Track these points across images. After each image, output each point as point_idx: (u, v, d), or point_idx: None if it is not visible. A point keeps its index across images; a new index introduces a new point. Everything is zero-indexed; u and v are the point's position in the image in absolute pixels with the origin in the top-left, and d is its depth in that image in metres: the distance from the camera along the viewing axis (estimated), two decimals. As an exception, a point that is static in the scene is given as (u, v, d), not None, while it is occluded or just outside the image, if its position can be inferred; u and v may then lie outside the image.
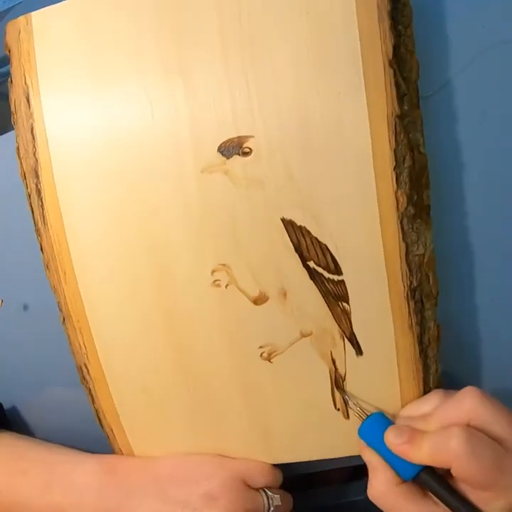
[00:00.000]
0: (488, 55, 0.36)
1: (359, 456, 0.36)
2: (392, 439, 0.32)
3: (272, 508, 0.38)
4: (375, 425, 0.34)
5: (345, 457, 0.38)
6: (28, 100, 0.37)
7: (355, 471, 0.44)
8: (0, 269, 0.44)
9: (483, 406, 0.31)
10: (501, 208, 0.37)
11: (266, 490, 0.38)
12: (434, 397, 0.34)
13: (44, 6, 0.37)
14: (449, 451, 0.30)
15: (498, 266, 0.38)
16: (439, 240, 0.35)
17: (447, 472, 0.32)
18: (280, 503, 0.38)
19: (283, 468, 0.40)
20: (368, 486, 0.34)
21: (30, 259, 0.40)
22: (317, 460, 0.39)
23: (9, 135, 0.42)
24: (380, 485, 0.33)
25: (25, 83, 0.37)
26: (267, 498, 0.38)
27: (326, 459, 0.39)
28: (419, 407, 0.35)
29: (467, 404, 0.31)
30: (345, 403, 0.37)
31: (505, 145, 0.37)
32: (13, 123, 0.38)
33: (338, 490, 0.45)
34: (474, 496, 0.31)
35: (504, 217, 0.37)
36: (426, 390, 0.36)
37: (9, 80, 0.38)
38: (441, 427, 0.31)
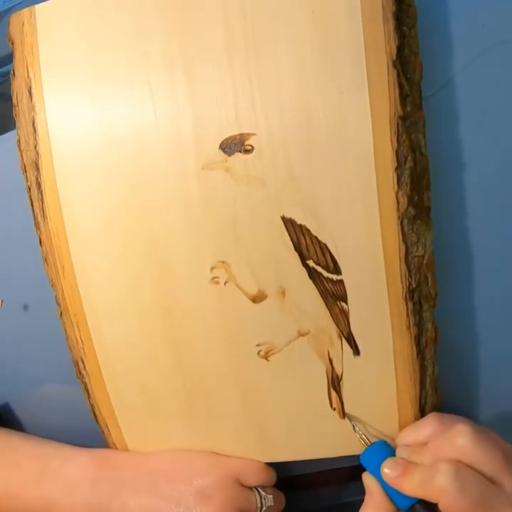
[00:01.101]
0: (488, 55, 0.36)
1: (358, 457, 0.36)
2: (387, 471, 0.33)
3: (264, 508, 0.38)
4: (377, 453, 0.35)
5: (345, 457, 0.38)
6: (30, 93, 0.37)
7: (355, 471, 0.44)
8: (0, 269, 0.44)
9: (474, 444, 0.31)
10: (501, 210, 0.37)
11: (259, 489, 0.38)
12: (430, 424, 0.34)
13: None
14: (436, 486, 0.30)
15: (497, 268, 0.38)
16: (439, 242, 0.35)
17: None
18: (273, 504, 0.38)
19: (282, 467, 0.40)
20: (362, 509, 0.34)
21: (30, 259, 0.40)
22: (316, 460, 0.39)
23: (9, 135, 0.42)
24: (373, 510, 0.34)
25: (28, 76, 0.37)
26: (260, 497, 0.38)
27: (326, 459, 0.39)
28: (415, 433, 0.35)
29: (459, 441, 0.32)
30: (342, 404, 0.37)
31: (505, 146, 0.37)
32: (14, 115, 0.38)
33: (338, 490, 0.45)
34: None
35: (504, 220, 0.37)
36: (422, 392, 0.36)
37: (11, 72, 0.37)
38: (434, 461, 0.32)
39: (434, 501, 0.31)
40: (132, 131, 0.35)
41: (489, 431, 0.33)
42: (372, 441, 0.36)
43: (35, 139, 0.37)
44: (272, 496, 0.38)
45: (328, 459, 0.39)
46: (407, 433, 0.35)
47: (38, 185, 0.37)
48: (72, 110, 0.36)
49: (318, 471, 0.43)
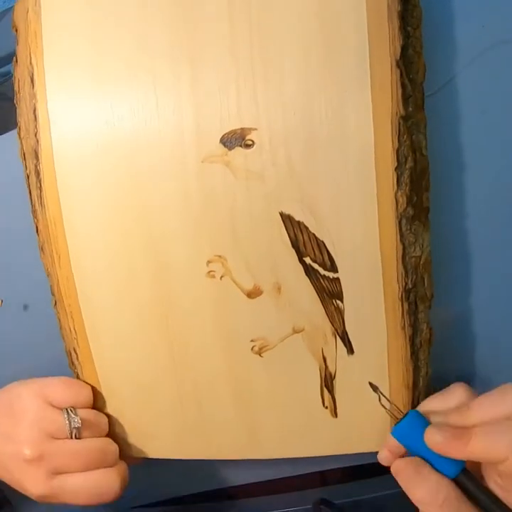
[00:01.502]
0: (488, 55, 0.36)
1: (359, 456, 0.36)
2: (435, 437, 0.31)
3: (73, 430, 0.36)
4: (412, 425, 0.33)
5: (347, 456, 0.38)
6: (32, 80, 0.36)
7: (356, 471, 0.44)
8: (0, 269, 0.44)
9: None
10: (500, 212, 0.37)
11: (69, 410, 0.36)
12: (461, 392, 0.33)
13: None
14: (504, 445, 0.29)
15: (494, 271, 0.38)
16: (436, 243, 0.35)
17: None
18: (79, 425, 0.36)
19: (282, 466, 0.40)
20: (413, 491, 0.32)
21: (30, 259, 0.40)
22: (316, 459, 0.39)
23: (9, 135, 0.42)
24: (428, 485, 0.31)
25: (31, 63, 0.36)
26: (69, 418, 0.36)
27: (326, 458, 0.39)
28: (444, 401, 0.33)
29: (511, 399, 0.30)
30: (334, 402, 0.37)
31: (505, 148, 0.37)
32: (15, 102, 0.37)
33: (340, 489, 0.45)
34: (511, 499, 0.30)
35: (502, 222, 0.37)
36: (415, 393, 0.36)
37: (14, 59, 0.37)
38: (485, 422, 0.30)
39: (496, 461, 0.29)
40: (134, 122, 0.35)
41: None
42: (404, 412, 0.34)
43: (35, 126, 0.37)
44: (78, 417, 0.36)
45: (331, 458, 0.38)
46: (433, 401, 0.34)
47: (37, 173, 0.37)
48: (73, 98, 0.36)
49: (319, 471, 0.43)
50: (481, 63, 0.36)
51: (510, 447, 0.29)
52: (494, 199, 0.37)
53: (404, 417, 0.33)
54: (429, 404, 0.34)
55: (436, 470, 0.32)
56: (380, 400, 0.35)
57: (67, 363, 0.40)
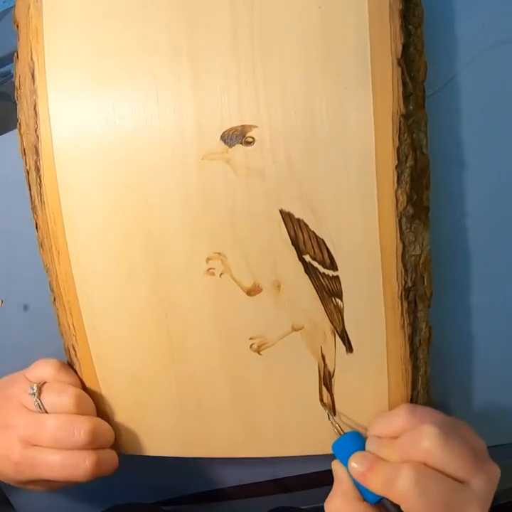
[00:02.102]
0: (488, 55, 0.36)
1: None
2: (354, 465, 0.33)
3: (36, 402, 0.37)
4: (348, 444, 0.35)
5: None
6: (33, 76, 0.36)
7: None
8: (0, 269, 0.44)
9: (440, 446, 0.31)
10: (500, 212, 0.37)
11: (35, 384, 0.37)
12: (401, 415, 0.33)
13: None
14: (398, 489, 0.30)
15: (494, 271, 0.38)
16: (436, 242, 0.35)
17: None
18: (36, 396, 0.37)
19: (282, 465, 0.40)
20: (329, 497, 0.34)
21: (30, 259, 0.40)
22: (314, 459, 0.39)
23: (9, 135, 0.42)
24: (341, 498, 0.33)
25: (32, 59, 0.36)
26: (31, 391, 0.37)
27: (324, 458, 0.39)
28: (387, 425, 0.34)
29: (425, 443, 0.31)
30: (333, 401, 0.37)
31: (506, 147, 0.37)
32: (16, 98, 0.37)
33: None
34: None
35: (502, 222, 0.37)
36: (414, 392, 0.36)
37: (15, 55, 0.37)
38: (400, 459, 0.32)
39: (396, 503, 0.31)
40: (134, 120, 0.35)
41: (460, 425, 0.33)
42: (345, 431, 0.36)
43: (36, 122, 0.37)
44: (35, 388, 0.37)
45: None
46: (378, 424, 0.35)
47: (37, 169, 0.37)
48: (74, 96, 0.36)
49: (318, 471, 0.43)
50: (481, 63, 0.36)
51: (401, 493, 0.30)
52: (494, 198, 0.37)
53: (344, 434, 0.35)
54: (375, 426, 0.35)
55: (362, 492, 0.33)
56: (329, 417, 0.36)
57: (66, 362, 0.40)
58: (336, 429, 0.36)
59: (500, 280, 0.38)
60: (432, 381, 0.36)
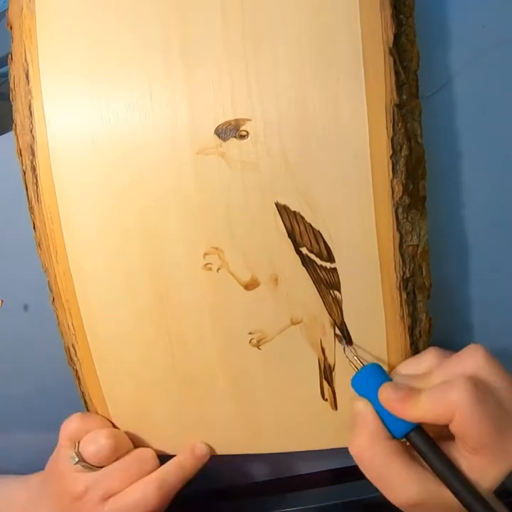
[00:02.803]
0: (488, 55, 0.36)
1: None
2: (388, 394, 0.31)
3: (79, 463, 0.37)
4: (371, 377, 0.33)
5: (344, 458, 0.37)
6: (27, 77, 0.37)
7: (355, 471, 0.43)
8: (0, 269, 0.44)
9: (488, 363, 0.30)
10: (497, 201, 0.37)
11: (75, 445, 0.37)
12: (432, 355, 0.33)
13: None
14: (451, 402, 0.28)
15: (492, 260, 0.38)
16: (434, 232, 0.35)
17: (439, 437, 0.31)
18: (76, 458, 0.36)
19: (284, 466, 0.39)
20: (351, 439, 0.32)
21: (30, 259, 0.40)
22: (315, 460, 0.38)
23: (9, 135, 0.42)
24: (367, 438, 0.31)
25: (26, 60, 0.37)
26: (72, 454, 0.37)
27: (324, 460, 0.38)
28: (416, 364, 0.33)
29: (472, 360, 0.30)
30: (334, 394, 0.37)
31: (502, 141, 0.37)
32: (11, 99, 0.38)
33: (338, 490, 0.45)
34: (466, 462, 0.29)
35: (499, 211, 0.37)
36: (415, 384, 0.36)
37: (9, 56, 0.37)
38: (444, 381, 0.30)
39: (443, 421, 0.29)
40: (129, 116, 0.35)
41: None
42: (365, 363, 0.34)
43: (31, 122, 0.37)
44: (74, 452, 0.37)
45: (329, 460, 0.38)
46: (407, 363, 0.34)
47: (33, 169, 0.37)
48: (68, 94, 0.36)
49: (318, 471, 0.43)
50: (481, 63, 0.36)
51: (457, 404, 0.28)
52: (490, 188, 0.37)
53: (364, 367, 0.33)
54: (403, 367, 0.34)
55: (387, 428, 0.31)
56: (344, 350, 0.35)
57: (67, 363, 0.40)
58: (354, 362, 0.34)
59: (499, 270, 0.38)
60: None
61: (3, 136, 0.42)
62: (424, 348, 0.36)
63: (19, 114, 0.37)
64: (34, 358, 0.45)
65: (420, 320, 0.35)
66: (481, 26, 0.36)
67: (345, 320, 0.35)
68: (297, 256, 0.34)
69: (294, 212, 0.34)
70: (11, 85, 0.37)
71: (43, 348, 0.44)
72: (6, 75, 0.42)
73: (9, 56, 0.38)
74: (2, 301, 0.44)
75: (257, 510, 0.46)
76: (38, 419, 0.46)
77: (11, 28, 0.37)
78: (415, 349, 0.36)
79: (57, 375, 0.43)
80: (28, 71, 0.37)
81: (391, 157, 0.33)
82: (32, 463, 0.41)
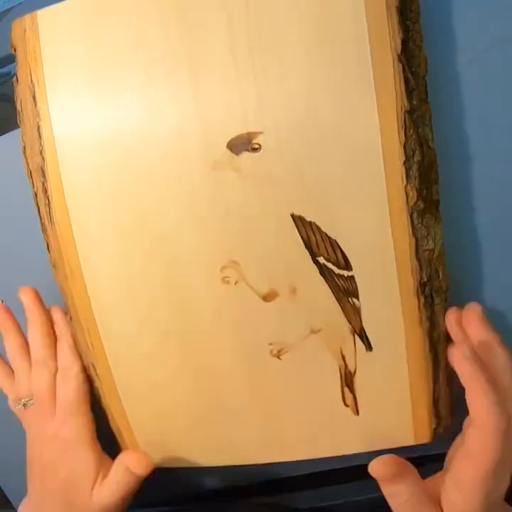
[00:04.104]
0: (493, 51, 0.36)
1: (360, 456, 0.36)
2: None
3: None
4: None
5: (347, 457, 0.38)
6: (34, 99, 0.36)
7: (355, 471, 0.44)
8: (0, 269, 0.44)
9: None
10: (509, 201, 0.37)
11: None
12: None
13: (44, 6, 0.37)
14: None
15: (508, 261, 0.38)
16: (448, 235, 0.35)
17: None
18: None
19: (285, 467, 0.39)
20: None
21: (30, 259, 0.40)
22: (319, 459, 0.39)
23: (9, 135, 0.42)
24: None
25: (32, 81, 0.36)
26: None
27: (327, 458, 0.39)
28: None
29: None
30: (355, 400, 0.37)
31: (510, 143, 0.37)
32: (18, 122, 0.38)
33: (338, 490, 0.45)
34: None
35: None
36: (435, 386, 0.36)
37: (15, 78, 0.37)
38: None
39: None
40: (138, 134, 0.35)
41: None
42: None
43: (40, 144, 0.37)
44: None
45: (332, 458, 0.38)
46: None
47: (45, 190, 0.37)
48: (77, 114, 0.36)
49: (318, 471, 0.43)
50: (486, 58, 0.36)
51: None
52: (502, 190, 0.37)
53: None
54: None
55: None
56: None
57: None
58: None
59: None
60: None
61: (3, 136, 0.42)
62: (443, 351, 0.36)
63: (28, 136, 0.37)
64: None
65: (438, 323, 0.36)
66: (483, 24, 0.36)
67: (364, 326, 0.35)
68: (315, 266, 0.35)
69: (310, 222, 0.34)
70: (18, 108, 0.37)
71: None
72: (6, 75, 0.42)
73: (14, 78, 0.37)
74: (2, 301, 0.44)
75: (257, 509, 0.46)
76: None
77: (14, 50, 0.37)
78: (434, 352, 0.36)
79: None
80: (34, 93, 0.36)
81: (404, 163, 0.33)
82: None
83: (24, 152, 0.38)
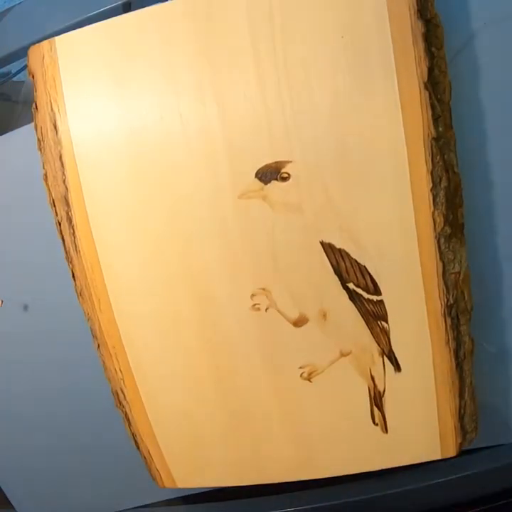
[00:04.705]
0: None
1: None
2: None
3: None
4: None
5: None
6: (55, 127, 0.36)
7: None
8: (0, 269, 0.44)
9: None
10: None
11: None
12: None
13: (44, 7, 0.36)
14: None
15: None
16: (470, 255, 0.35)
17: None
18: None
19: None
20: None
21: (30, 259, 0.39)
22: None
23: (9, 135, 0.41)
24: None
25: (52, 110, 0.36)
26: None
27: None
28: None
29: None
30: (384, 419, 0.38)
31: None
32: (39, 150, 0.37)
33: (338, 490, 0.46)
34: None
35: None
36: (461, 402, 0.37)
37: (34, 105, 0.37)
38: None
39: None
40: (165, 161, 0.35)
41: None
42: None
43: (63, 173, 0.36)
44: None
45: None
46: None
47: (69, 219, 0.37)
48: (100, 142, 0.36)
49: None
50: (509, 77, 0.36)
51: None
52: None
53: None
54: None
55: None
56: None
57: (65, 363, 0.40)
58: None
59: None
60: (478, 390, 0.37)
61: (3, 136, 0.42)
62: (469, 369, 0.37)
63: (50, 165, 0.37)
64: (34, 358, 0.45)
65: (464, 342, 0.36)
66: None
67: (393, 348, 0.36)
68: (344, 291, 0.35)
69: (339, 249, 0.34)
70: (39, 136, 0.37)
71: (43, 347, 0.44)
72: (6, 75, 0.42)
73: (33, 105, 0.37)
74: (2, 301, 0.44)
75: (256, 510, 0.47)
76: (38, 418, 0.46)
77: (32, 77, 0.37)
78: (460, 370, 0.37)
79: (57, 374, 0.44)
80: (55, 121, 0.36)
81: (431, 190, 0.33)
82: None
83: (46, 180, 0.37)
